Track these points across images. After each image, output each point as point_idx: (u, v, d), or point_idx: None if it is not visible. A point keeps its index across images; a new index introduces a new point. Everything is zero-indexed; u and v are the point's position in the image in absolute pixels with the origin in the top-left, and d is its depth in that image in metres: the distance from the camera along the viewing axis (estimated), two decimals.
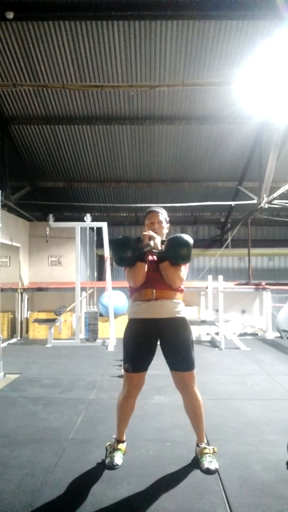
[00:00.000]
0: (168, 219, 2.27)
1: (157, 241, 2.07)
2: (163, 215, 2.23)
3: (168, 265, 2.04)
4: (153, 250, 2.04)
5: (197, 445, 2.15)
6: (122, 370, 2.13)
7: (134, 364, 2.07)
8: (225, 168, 8.22)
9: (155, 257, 2.11)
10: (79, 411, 2.96)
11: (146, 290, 2.06)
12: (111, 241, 2.13)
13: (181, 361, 2.05)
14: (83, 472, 2.04)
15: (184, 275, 2.09)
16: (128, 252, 2.04)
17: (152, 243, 2.03)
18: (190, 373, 2.06)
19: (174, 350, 2.06)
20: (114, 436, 2.20)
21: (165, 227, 2.23)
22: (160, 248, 2.08)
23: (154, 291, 2.05)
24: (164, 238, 2.19)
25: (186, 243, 2.02)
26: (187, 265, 2.14)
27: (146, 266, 2.06)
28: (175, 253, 2.03)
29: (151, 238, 2.05)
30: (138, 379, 2.09)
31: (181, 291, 2.15)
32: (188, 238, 2.04)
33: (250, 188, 8.00)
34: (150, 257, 2.12)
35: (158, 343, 2.11)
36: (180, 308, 2.11)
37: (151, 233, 2.08)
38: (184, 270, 2.10)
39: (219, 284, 5.94)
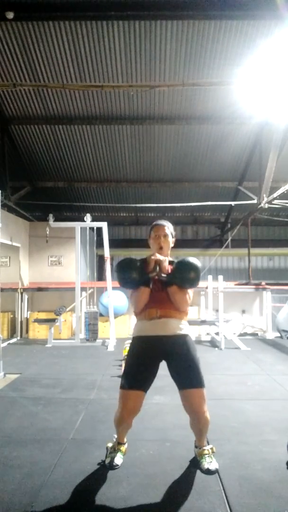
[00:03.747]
0: (174, 233, 2.21)
1: (165, 264, 2.05)
2: (169, 229, 2.16)
3: (176, 290, 2.00)
4: (162, 276, 2.01)
5: (196, 447, 2.14)
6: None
7: (131, 380, 1.98)
8: (225, 168, 8.22)
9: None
10: (79, 411, 2.96)
11: (150, 310, 2.04)
12: (117, 264, 2.08)
13: (190, 377, 1.95)
14: (83, 472, 2.04)
15: (190, 298, 2.07)
16: (134, 275, 2.01)
17: (158, 268, 2.01)
18: (200, 391, 1.94)
19: (181, 366, 1.98)
20: (115, 436, 2.19)
21: (171, 241, 2.17)
22: (167, 270, 2.04)
23: (159, 310, 2.02)
24: (170, 258, 2.14)
25: (194, 268, 1.98)
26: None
27: (152, 285, 2.04)
28: (183, 277, 1.99)
29: (157, 262, 2.01)
30: (134, 400, 1.96)
31: (186, 313, 2.13)
32: (196, 262, 2.00)
33: (250, 188, 8.00)
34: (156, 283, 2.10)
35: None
36: (184, 327, 2.08)
37: (158, 256, 2.03)
38: (190, 292, 2.08)
39: (219, 284, 5.94)
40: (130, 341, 2.20)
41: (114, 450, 2.13)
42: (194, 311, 6.85)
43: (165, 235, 2.13)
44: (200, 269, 2.00)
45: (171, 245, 2.18)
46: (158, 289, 2.06)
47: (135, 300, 2.06)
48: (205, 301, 6.77)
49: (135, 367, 2.02)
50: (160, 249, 2.10)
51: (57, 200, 9.00)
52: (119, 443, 2.16)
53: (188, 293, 2.05)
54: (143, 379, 1.99)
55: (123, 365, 2.14)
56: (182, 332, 2.05)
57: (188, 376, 1.96)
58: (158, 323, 2.02)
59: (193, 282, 2.00)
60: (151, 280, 2.03)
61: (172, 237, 2.18)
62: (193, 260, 2.01)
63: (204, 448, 2.10)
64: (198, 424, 2.01)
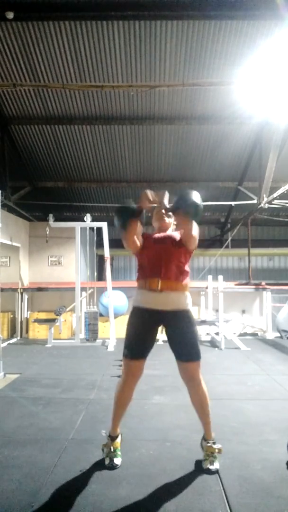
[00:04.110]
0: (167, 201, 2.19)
1: (165, 201, 2.05)
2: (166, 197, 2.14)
3: (182, 218, 1.98)
4: (165, 206, 2.02)
5: (204, 439, 2.12)
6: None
7: (133, 350, 2.07)
8: (225, 168, 8.22)
9: (163, 234, 2.13)
10: (79, 411, 2.96)
11: (151, 280, 2.05)
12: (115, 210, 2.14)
13: (188, 350, 2.05)
14: (83, 472, 2.04)
15: (198, 231, 2.04)
16: (127, 214, 2.03)
17: (149, 195, 1.98)
18: (196, 363, 2.06)
19: (179, 340, 2.07)
20: (105, 434, 2.18)
21: (173, 220, 2.22)
22: (165, 205, 2.06)
23: (160, 282, 2.04)
24: (170, 229, 2.19)
25: (195, 195, 1.95)
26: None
27: (153, 239, 2.09)
28: (187, 203, 1.94)
29: (145, 195, 2.00)
30: (136, 367, 2.08)
31: (187, 274, 2.12)
32: (195, 193, 1.97)
33: (250, 188, 8.00)
34: (158, 235, 2.14)
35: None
36: (186, 301, 2.10)
37: (149, 192, 2.02)
38: (195, 230, 2.04)
39: (219, 284, 5.94)
40: None
41: (110, 450, 2.12)
42: (194, 311, 6.84)
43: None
44: (199, 199, 1.96)
45: (174, 222, 2.23)
46: (160, 241, 2.09)
47: (124, 235, 2.06)
48: (205, 301, 6.78)
49: (136, 337, 2.09)
50: (164, 221, 2.19)
51: (57, 200, 9.00)
52: (112, 438, 2.15)
53: (195, 224, 2.01)
54: (144, 348, 2.09)
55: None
56: (183, 307, 2.08)
57: (185, 350, 2.05)
58: (159, 297, 2.04)
59: (197, 209, 1.95)
60: (139, 211, 2.01)
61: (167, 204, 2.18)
62: (193, 191, 2.00)
63: (214, 446, 2.08)
64: (196, 394, 2.07)
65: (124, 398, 2.14)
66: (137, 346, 2.08)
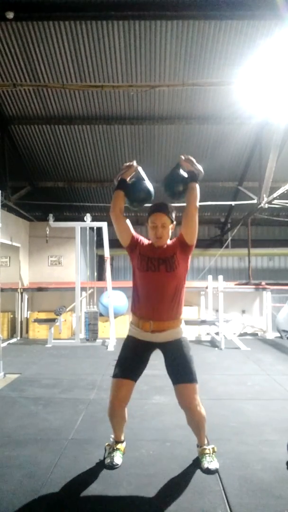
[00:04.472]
0: (174, 216, 2.08)
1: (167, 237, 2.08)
2: (170, 213, 2.05)
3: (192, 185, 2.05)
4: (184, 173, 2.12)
5: (198, 446, 2.15)
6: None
7: (123, 369, 2.03)
8: (225, 168, 8.22)
9: (156, 254, 2.02)
10: (79, 411, 2.96)
11: (144, 324, 2.02)
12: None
13: (182, 373, 2.00)
14: (83, 472, 2.04)
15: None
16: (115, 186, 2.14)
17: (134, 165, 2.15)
18: (192, 386, 1.99)
19: (174, 364, 2.03)
20: (112, 437, 2.19)
21: (171, 228, 2.07)
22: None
23: (152, 324, 2.00)
24: (169, 240, 2.08)
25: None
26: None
27: (145, 264, 2.01)
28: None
29: (127, 167, 2.16)
30: (125, 388, 2.01)
31: (181, 306, 2.07)
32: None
33: (250, 188, 8.00)
34: (152, 254, 2.02)
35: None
36: (179, 332, 2.07)
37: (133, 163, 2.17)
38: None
39: (219, 284, 5.94)
40: None
41: (113, 450, 2.13)
42: (194, 311, 6.85)
43: (164, 225, 2.02)
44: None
45: (171, 231, 2.09)
46: (153, 268, 2.00)
47: (111, 205, 2.12)
48: (205, 301, 6.78)
49: (128, 358, 2.07)
50: (159, 238, 2.03)
51: (57, 200, 9.00)
52: (117, 442, 2.16)
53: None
54: (134, 370, 2.05)
55: None
56: (177, 336, 2.06)
57: (180, 373, 2.01)
58: (151, 335, 2.03)
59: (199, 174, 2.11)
60: (124, 183, 2.13)
61: (172, 222, 2.07)
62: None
63: (205, 447, 2.10)
64: (193, 419, 2.04)
65: (116, 419, 2.11)
66: (127, 366, 2.04)
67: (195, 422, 2.05)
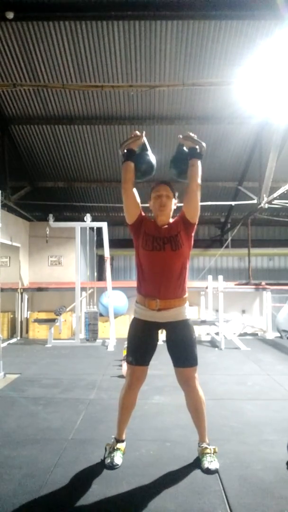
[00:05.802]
0: (177, 193, 2.17)
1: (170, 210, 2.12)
2: (173, 188, 2.14)
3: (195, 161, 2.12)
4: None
5: (199, 445, 2.15)
6: (124, 368, 2.15)
7: (137, 357, 2.10)
8: (225, 168, 8.22)
9: (162, 233, 2.06)
10: (79, 411, 2.96)
11: (150, 301, 2.04)
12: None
13: (184, 357, 2.07)
14: (83, 472, 2.04)
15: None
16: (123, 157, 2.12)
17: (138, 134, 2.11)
18: (192, 369, 2.08)
19: (177, 347, 2.09)
20: (113, 436, 2.20)
21: (174, 202, 2.14)
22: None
23: (158, 302, 2.02)
24: (171, 219, 2.14)
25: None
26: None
27: (151, 243, 2.03)
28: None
29: (134, 135, 2.13)
30: (140, 372, 2.12)
31: (185, 285, 2.11)
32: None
33: (250, 188, 8.00)
34: (156, 233, 2.06)
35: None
36: (184, 311, 2.11)
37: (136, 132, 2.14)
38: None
39: (219, 284, 5.93)
40: None
41: (113, 449, 2.13)
42: (194, 311, 6.85)
43: (168, 196, 2.11)
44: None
45: (174, 207, 2.16)
46: (158, 247, 2.03)
47: (122, 177, 2.09)
48: (205, 301, 6.77)
49: (138, 345, 2.12)
50: (163, 207, 2.09)
51: (57, 200, 9.00)
52: (118, 441, 2.16)
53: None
54: (146, 355, 2.11)
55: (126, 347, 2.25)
56: (182, 317, 2.09)
57: (183, 356, 2.08)
58: (158, 313, 2.05)
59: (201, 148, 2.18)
60: (132, 152, 2.10)
61: (175, 198, 2.15)
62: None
63: (207, 446, 2.10)
64: (192, 398, 2.09)
65: (129, 402, 2.16)
66: (140, 353, 2.11)
67: (194, 401, 2.10)
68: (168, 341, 2.13)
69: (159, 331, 2.16)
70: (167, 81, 5.87)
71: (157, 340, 2.16)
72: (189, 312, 2.16)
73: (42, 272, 7.81)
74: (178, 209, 2.20)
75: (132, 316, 2.20)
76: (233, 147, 7.57)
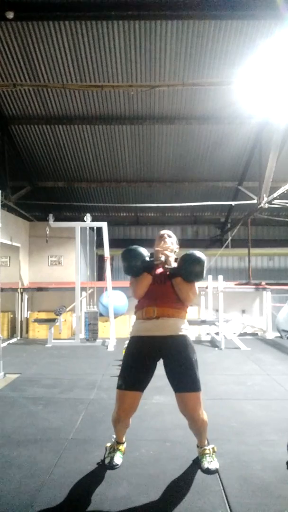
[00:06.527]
0: (177, 242, 2.29)
1: (171, 259, 2.10)
2: (174, 238, 2.26)
3: (181, 281, 2.04)
4: (166, 266, 2.08)
5: (198, 447, 2.15)
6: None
7: (128, 380, 1.96)
8: (225, 168, 8.22)
9: (164, 271, 2.12)
10: (79, 411, 2.96)
11: (148, 309, 2.04)
12: (125, 250, 2.11)
13: (185, 380, 1.93)
14: (83, 472, 2.04)
15: (197, 290, 2.12)
16: (139, 261, 2.05)
17: (163, 258, 2.07)
18: (195, 395, 1.93)
19: (177, 369, 1.96)
20: (114, 436, 2.20)
21: (175, 248, 2.23)
22: (172, 265, 2.11)
23: (156, 309, 2.02)
24: (174, 263, 2.17)
25: (199, 260, 2.03)
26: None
27: (152, 278, 2.06)
28: (188, 269, 2.04)
29: (164, 253, 2.08)
30: (130, 400, 1.96)
31: (186, 308, 2.13)
32: (201, 255, 2.05)
33: (250, 188, 8.00)
34: (158, 270, 2.12)
35: (159, 364, 2.05)
36: (183, 326, 2.06)
37: (165, 251, 2.11)
38: (196, 286, 2.12)
39: (219, 284, 5.94)
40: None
41: (114, 449, 2.14)
42: (194, 311, 6.85)
43: (169, 235, 2.25)
44: (204, 263, 2.04)
45: (176, 251, 2.26)
46: (160, 281, 2.08)
47: (136, 285, 2.06)
48: (205, 301, 6.77)
49: (132, 367, 2.00)
50: (165, 244, 2.16)
51: (57, 200, 9.00)
52: (118, 442, 2.16)
53: (194, 285, 2.08)
54: (140, 379, 1.98)
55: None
56: (180, 332, 2.02)
57: (183, 380, 1.94)
58: (155, 323, 2.01)
59: (198, 275, 2.04)
60: (154, 267, 2.07)
61: (176, 245, 2.26)
62: (198, 254, 2.06)
63: (205, 447, 2.10)
64: (195, 426, 2.03)
65: (120, 426, 2.09)
66: (132, 376, 1.97)
67: (197, 428, 2.04)
68: (166, 362, 1.99)
69: (158, 358, 2.02)
70: (167, 81, 5.87)
71: (153, 367, 2.01)
72: (189, 330, 2.10)
73: (42, 272, 7.81)
74: None
75: (132, 316, 2.19)
76: (233, 147, 7.56)
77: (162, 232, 2.26)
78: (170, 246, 2.16)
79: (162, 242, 2.17)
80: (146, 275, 2.05)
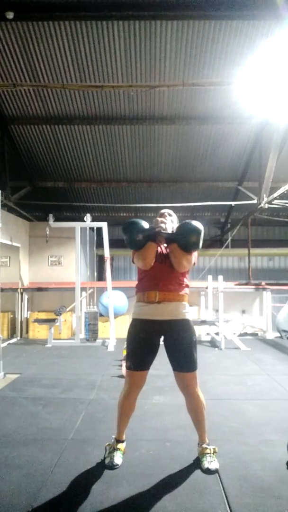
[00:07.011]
0: (177, 221, 2.33)
1: (168, 226, 2.12)
2: (174, 217, 2.31)
3: (176, 247, 2.06)
4: (163, 231, 2.07)
5: (199, 445, 2.15)
6: (124, 368, 2.14)
7: (136, 362, 2.09)
8: (225, 168, 8.22)
9: (163, 250, 2.15)
10: (79, 411, 2.96)
11: (149, 293, 2.07)
12: (124, 223, 2.13)
13: (183, 362, 2.06)
14: (83, 472, 2.04)
15: (192, 259, 2.13)
16: (140, 233, 2.06)
17: (163, 225, 2.08)
18: (191, 374, 2.07)
19: (176, 351, 2.08)
20: (114, 436, 2.20)
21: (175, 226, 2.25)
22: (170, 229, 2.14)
23: (158, 293, 2.05)
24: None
25: (196, 229, 2.06)
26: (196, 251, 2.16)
27: (156, 248, 2.09)
28: (185, 238, 2.06)
29: (163, 221, 2.11)
30: (140, 378, 2.10)
31: (186, 286, 2.16)
32: (198, 225, 2.08)
33: (250, 188, 8.00)
34: (160, 249, 2.15)
35: (161, 342, 2.13)
36: (184, 310, 2.11)
37: (164, 219, 2.15)
38: (194, 256, 2.14)
39: (219, 284, 5.94)
40: None
41: (113, 449, 2.13)
42: (194, 311, 6.85)
43: (170, 214, 2.29)
44: (201, 232, 2.06)
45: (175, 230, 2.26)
46: (160, 260, 2.10)
47: (142, 255, 2.06)
48: (205, 301, 6.77)
49: (138, 349, 2.10)
50: (165, 219, 2.18)
51: (57, 200, 9.00)
52: (118, 441, 2.17)
53: (190, 255, 2.09)
54: (146, 360, 2.10)
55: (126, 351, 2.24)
56: (181, 316, 2.09)
57: (181, 361, 2.07)
58: (157, 308, 2.05)
59: (194, 244, 2.06)
60: (157, 236, 2.08)
61: (176, 223, 2.27)
62: (195, 223, 2.08)
63: (206, 446, 2.11)
64: (192, 402, 2.10)
65: (128, 407, 2.16)
66: (139, 358, 2.09)
67: (194, 405, 2.10)
68: (167, 342, 2.11)
69: (160, 337, 2.12)
70: (167, 81, 5.87)
71: (157, 345, 2.11)
72: (190, 313, 2.15)
73: (42, 272, 7.81)
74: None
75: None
76: (233, 147, 7.56)
77: (163, 210, 2.30)
78: (170, 223, 2.18)
79: (162, 219, 2.19)
80: (151, 244, 2.07)
